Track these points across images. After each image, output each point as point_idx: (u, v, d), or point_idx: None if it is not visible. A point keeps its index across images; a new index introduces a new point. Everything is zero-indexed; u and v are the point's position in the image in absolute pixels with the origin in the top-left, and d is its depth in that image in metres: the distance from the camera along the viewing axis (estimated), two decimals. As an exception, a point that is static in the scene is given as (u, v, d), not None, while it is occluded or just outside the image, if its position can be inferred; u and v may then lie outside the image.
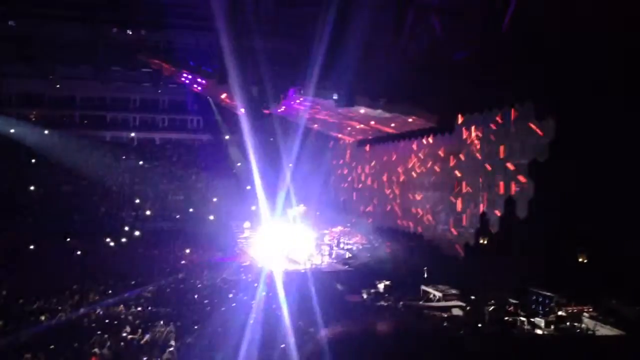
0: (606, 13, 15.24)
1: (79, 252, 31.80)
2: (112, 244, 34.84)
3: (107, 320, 16.92)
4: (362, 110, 25.10)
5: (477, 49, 20.44)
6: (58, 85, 37.69)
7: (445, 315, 18.86)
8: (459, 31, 21.52)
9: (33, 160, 35.94)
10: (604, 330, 15.96)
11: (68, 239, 33.73)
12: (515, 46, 18.16)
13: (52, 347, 14.06)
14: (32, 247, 31.92)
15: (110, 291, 21.97)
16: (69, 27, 28.50)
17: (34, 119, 37.63)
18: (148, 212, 38.72)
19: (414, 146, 28.59)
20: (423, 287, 22.26)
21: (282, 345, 13.88)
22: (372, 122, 28.35)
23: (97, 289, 22.30)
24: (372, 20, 22.17)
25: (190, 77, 30.89)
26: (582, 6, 15.84)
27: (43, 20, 27.70)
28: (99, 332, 14.89)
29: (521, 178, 20.48)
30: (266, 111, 29.42)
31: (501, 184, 21.61)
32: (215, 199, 40.43)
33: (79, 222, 33.17)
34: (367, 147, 34.61)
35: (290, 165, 42.82)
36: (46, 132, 36.54)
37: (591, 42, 16.15)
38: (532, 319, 17.44)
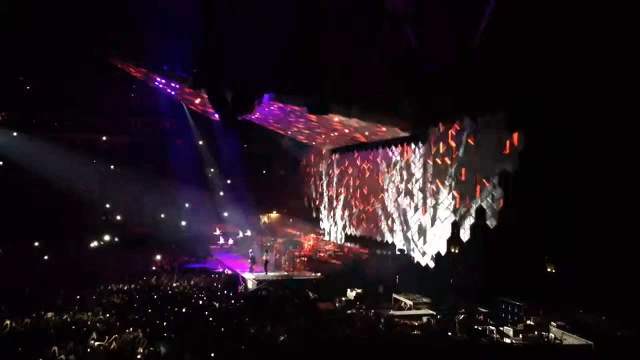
0: (576, 24, 15.58)
1: (46, 257, 31.29)
2: (81, 249, 34.33)
3: (73, 327, 16.62)
4: (337, 119, 25.15)
5: (450, 60, 20.69)
6: (28, 87, 37.10)
7: (416, 324, 18.97)
8: (433, 42, 21.76)
9: (0, 163, 35.32)
10: (570, 339, 16.21)
11: (36, 244, 33.14)
12: (488, 57, 18.43)
13: (15, 353, 13.79)
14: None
15: (77, 297, 21.63)
16: (40, 27, 28.09)
17: (3, 121, 36.96)
18: (118, 217, 38.22)
19: (387, 155, 28.75)
20: (394, 295, 22.37)
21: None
22: (347, 131, 28.43)
23: (64, 294, 21.94)
24: (347, 29, 22.31)
25: (163, 81, 30.61)
26: (551, 19, 16.16)
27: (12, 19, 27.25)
28: (65, 338, 14.62)
29: (492, 188, 20.73)
30: (240, 117, 29.29)
31: (472, 193, 21.83)
32: (187, 205, 40.13)
33: (47, 227, 32.60)
34: (341, 155, 34.68)
35: (264, 171, 42.81)
36: (15, 134, 35.92)
37: (562, 54, 16.47)
38: (501, 328, 17.64)
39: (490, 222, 20.75)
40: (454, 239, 22.93)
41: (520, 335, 17.15)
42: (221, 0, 21.00)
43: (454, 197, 23.04)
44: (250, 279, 26.23)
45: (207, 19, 19.94)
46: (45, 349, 13.80)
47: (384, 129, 26.03)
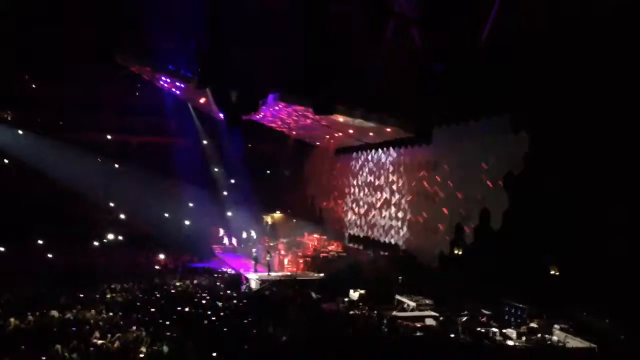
0: (581, 24, 15.54)
1: (50, 255, 31.33)
2: (85, 247, 34.35)
3: (76, 325, 16.64)
4: (341, 119, 25.15)
5: (455, 61, 20.64)
6: (34, 86, 37.13)
7: (419, 325, 18.93)
8: (438, 43, 21.72)
9: (6, 161, 35.42)
10: (574, 342, 16.16)
11: (40, 242, 33.18)
12: (493, 59, 18.38)
13: (19, 351, 13.82)
14: (1, 249, 31.37)
15: (81, 295, 21.67)
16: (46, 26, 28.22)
17: (9, 119, 37.01)
18: (122, 216, 38.25)
19: (391, 156, 28.73)
20: (397, 297, 22.33)
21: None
22: (351, 131, 28.43)
23: (68, 293, 21.98)
24: (352, 29, 22.32)
25: (168, 80, 30.68)
26: (556, 18, 16.12)
27: (17, 19, 27.38)
28: (68, 337, 14.65)
29: (496, 189, 20.66)
30: (245, 117, 29.31)
31: (476, 195, 21.77)
32: (191, 204, 40.13)
33: (51, 225, 32.65)
34: (345, 156, 34.69)
35: (268, 172, 42.78)
36: (20, 132, 35.99)
37: (567, 54, 16.42)
38: (504, 330, 17.59)
39: (494, 224, 20.70)
40: (457, 241, 22.89)
41: (524, 338, 17.09)
42: (226, 1, 21.06)
43: (457, 199, 22.99)
44: (254, 279, 26.24)
45: (213, 18, 19.97)
46: (49, 347, 13.82)
47: (388, 129, 26.01)
